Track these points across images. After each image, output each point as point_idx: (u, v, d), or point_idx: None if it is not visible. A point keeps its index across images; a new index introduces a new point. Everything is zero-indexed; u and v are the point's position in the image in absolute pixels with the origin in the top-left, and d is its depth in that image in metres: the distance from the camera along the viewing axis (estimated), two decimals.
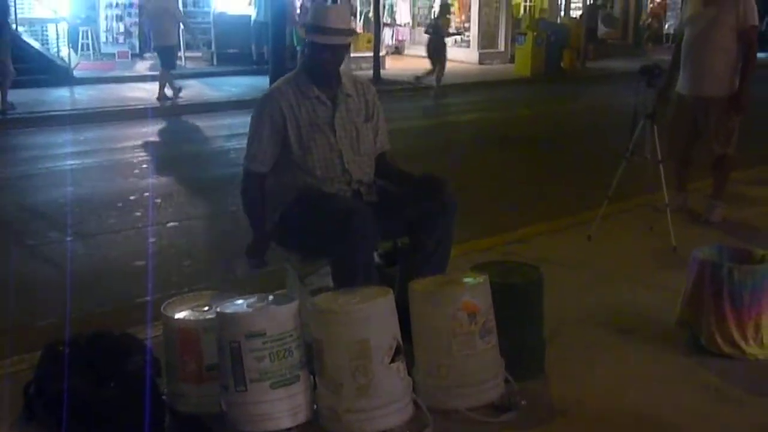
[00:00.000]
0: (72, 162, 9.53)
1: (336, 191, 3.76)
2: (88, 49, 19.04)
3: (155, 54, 15.64)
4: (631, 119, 5.82)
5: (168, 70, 14.39)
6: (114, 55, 19.24)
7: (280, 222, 3.80)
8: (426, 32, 17.51)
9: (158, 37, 14.51)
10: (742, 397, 3.55)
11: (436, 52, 16.91)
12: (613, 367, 3.83)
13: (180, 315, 3.33)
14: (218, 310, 3.14)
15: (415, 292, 3.33)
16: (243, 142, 4.03)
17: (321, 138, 3.77)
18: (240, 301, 3.22)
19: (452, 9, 21.84)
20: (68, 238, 6.37)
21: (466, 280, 3.36)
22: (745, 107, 6.08)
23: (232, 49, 19.92)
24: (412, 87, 17.36)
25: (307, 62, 3.86)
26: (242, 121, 10.46)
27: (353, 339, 3.04)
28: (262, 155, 3.78)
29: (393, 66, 21.25)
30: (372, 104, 3.96)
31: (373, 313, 3.08)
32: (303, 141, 3.75)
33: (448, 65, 17.43)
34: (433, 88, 16.84)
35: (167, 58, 14.38)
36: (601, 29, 25.92)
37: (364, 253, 3.49)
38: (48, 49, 16.86)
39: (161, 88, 14.24)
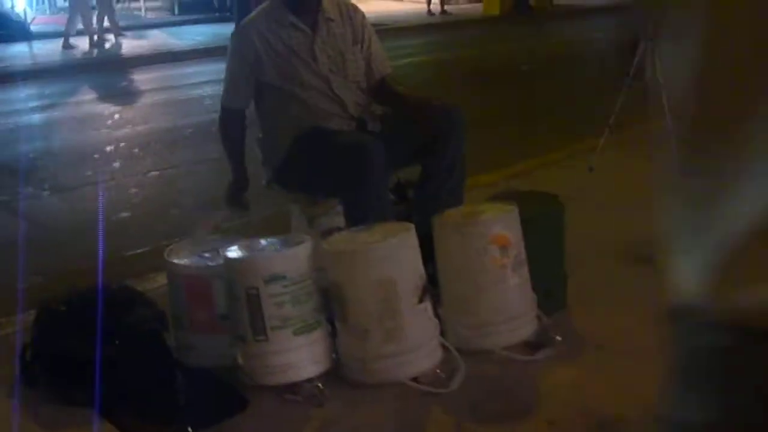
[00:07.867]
0: (39, 116, 9.15)
1: (335, 125, 3.49)
2: (43, 3, 18.48)
3: None
4: (630, 42, 5.58)
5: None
6: None
7: (283, 166, 3.53)
8: None
9: None
10: None
11: None
12: (639, 299, 3.62)
13: (185, 261, 3.07)
14: (228, 255, 2.87)
15: (442, 225, 3.07)
16: (216, 90, 3.77)
17: (303, 66, 3.49)
18: (248, 245, 2.97)
19: None
20: (45, 192, 6.04)
21: (495, 210, 3.11)
22: None
23: None
24: (386, 27, 17.09)
25: None
26: (211, 69, 10.21)
27: (378, 279, 2.80)
28: (238, 90, 3.58)
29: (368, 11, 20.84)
30: (361, 27, 3.68)
31: (397, 250, 2.85)
32: (284, 71, 3.48)
33: (413, 6, 17.26)
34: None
35: None
36: None
37: (377, 186, 3.24)
38: (2, 4, 16.34)
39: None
